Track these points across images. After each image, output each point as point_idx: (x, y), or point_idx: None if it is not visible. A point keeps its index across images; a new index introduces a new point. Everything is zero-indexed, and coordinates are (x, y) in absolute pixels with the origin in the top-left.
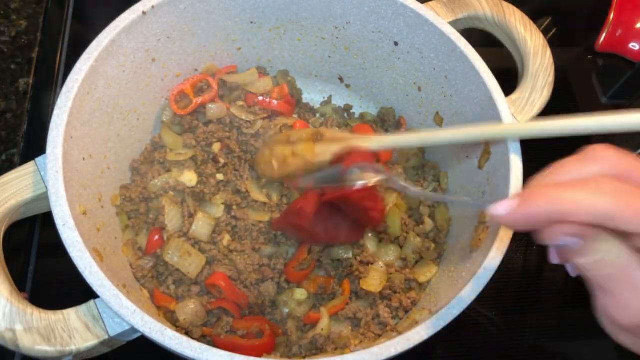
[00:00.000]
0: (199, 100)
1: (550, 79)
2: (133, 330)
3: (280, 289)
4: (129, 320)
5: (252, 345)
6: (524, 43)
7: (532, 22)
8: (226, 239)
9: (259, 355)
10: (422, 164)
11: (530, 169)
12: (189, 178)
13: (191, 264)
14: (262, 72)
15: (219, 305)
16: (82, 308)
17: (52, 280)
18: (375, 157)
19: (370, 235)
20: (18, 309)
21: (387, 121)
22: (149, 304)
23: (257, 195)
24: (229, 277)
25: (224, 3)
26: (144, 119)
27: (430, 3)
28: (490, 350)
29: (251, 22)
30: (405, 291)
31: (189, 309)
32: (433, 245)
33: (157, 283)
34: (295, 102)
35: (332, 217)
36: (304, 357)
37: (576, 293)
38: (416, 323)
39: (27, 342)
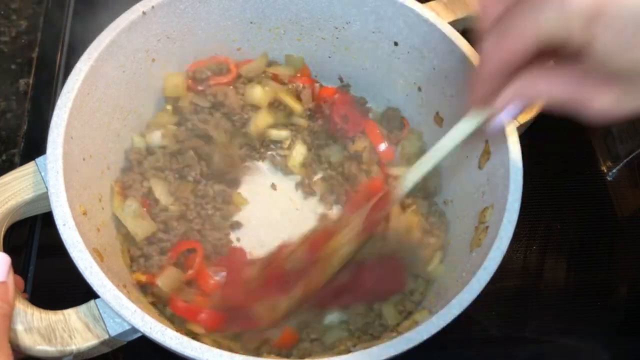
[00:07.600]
0: (216, 80)
1: None
2: (133, 330)
3: None
4: (129, 320)
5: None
6: None
7: None
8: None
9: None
10: None
11: (530, 169)
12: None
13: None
14: None
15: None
16: (83, 308)
17: (52, 280)
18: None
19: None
20: (18, 309)
21: (391, 122)
22: (149, 304)
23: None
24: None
25: (224, 3)
26: (144, 119)
27: (430, 3)
28: (490, 350)
29: (251, 22)
30: None
31: (168, 276)
32: None
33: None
34: None
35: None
36: (303, 358)
37: (576, 293)
38: (416, 323)
39: (28, 342)
